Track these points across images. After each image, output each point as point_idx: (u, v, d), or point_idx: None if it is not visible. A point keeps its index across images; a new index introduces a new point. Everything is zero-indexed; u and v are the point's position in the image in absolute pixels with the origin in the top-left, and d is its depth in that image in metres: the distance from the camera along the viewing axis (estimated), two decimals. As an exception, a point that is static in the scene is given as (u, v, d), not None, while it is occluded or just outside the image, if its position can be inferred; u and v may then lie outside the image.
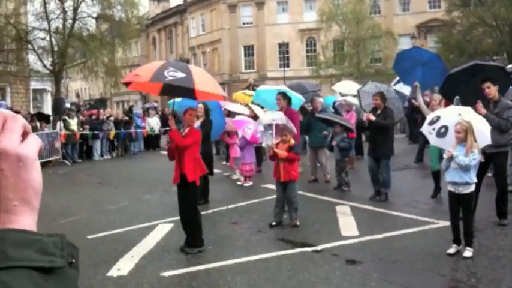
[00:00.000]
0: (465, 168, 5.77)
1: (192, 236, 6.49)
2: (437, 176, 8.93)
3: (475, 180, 5.93)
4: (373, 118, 9.02)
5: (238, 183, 11.47)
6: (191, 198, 6.53)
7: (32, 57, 33.54)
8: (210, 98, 7.56)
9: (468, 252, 5.85)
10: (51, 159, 17.44)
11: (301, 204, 8.41)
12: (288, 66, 45.12)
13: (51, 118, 20.92)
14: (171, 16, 59.29)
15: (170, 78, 6.11)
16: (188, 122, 6.71)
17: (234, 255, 6.23)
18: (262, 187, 10.84)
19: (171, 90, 7.00)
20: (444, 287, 5.07)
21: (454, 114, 6.14)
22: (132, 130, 20.89)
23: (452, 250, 5.98)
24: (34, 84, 34.80)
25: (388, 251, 6.21)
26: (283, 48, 44.88)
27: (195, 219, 6.51)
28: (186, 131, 6.64)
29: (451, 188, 6.04)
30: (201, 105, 9.25)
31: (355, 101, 12.20)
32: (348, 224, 7.57)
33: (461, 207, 6.02)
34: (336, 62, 41.07)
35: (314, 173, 11.69)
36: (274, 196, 8.95)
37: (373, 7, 44.16)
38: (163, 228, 7.68)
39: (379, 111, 9.14)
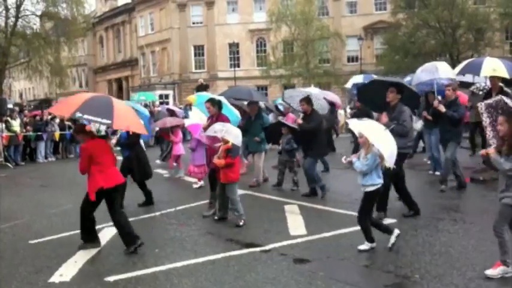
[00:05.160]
0: (362, 173, 6.06)
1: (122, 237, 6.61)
2: None
3: (380, 181, 6.10)
4: (301, 122, 9.63)
5: (194, 185, 11.27)
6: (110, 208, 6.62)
7: (-28, 56, 32.30)
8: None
9: (364, 246, 6.12)
10: (-8, 161, 16.81)
11: (250, 204, 8.46)
12: (238, 67, 45.22)
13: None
14: (119, 14, 58.22)
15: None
16: (79, 140, 6.92)
17: (182, 258, 6.14)
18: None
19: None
20: (389, 283, 5.14)
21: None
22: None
23: (363, 247, 6.15)
24: (-25, 85, 33.41)
25: (335, 249, 6.27)
26: (234, 48, 44.90)
27: (121, 224, 6.58)
28: None
29: (363, 189, 6.21)
30: None
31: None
32: (296, 223, 7.61)
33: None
34: (285, 63, 41.44)
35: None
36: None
37: (321, 8, 44.83)
38: (108, 232, 7.46)
39: (306, 115, 9.67)
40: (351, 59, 44.84)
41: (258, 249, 6.39)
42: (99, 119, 6.29)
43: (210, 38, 47.99)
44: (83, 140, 6.67)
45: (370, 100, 8.60)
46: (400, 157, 7.12)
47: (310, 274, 5.44)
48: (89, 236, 6.75)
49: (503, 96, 5.56)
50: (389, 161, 5.90)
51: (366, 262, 5.77)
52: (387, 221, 7.38)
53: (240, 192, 10.23)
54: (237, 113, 9.85)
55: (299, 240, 6.72)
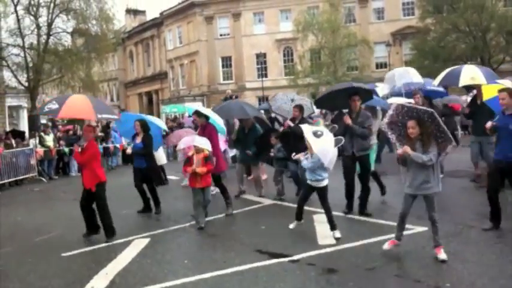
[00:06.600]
0: (311, 169, 7.19)
1: (108, 227, 7.99)
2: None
3: (325, 176, 7.24)
4: (292, 124, 10.17)
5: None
6: (97, 200, 7.90)
7: (6, 74, 33.17)
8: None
9: (337, 234, 7.16)
10: (27, 176, 17.19)
11: (278, 214, 8.50)
12: (266, 76, 45.37)
13: (26, 135, 20.65)
14: (148, 29, 59.18)
15: (46, 110, 7.68)
16: (86, 137, 7.84)
17: (211, 269, 6.15)
18: (242, 198, 10.79)
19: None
20: (420, 293, 5.07)
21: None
22: (110, 145, 20.70)
23: (292, 225, 7.64)
24: (10, 101, 34.27)
25: (364, 259, 6.21)
26: (261, 59, 45.11)
27: (106, 214, 7.97)
28: (85, 144, 7.75)
29: (310, 183, 7.37)
30: (137, 123, 9.79)
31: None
32: (325, 233, 7.54)
33: (319, 198, 7.39)
34: (313, 71, 41.34)
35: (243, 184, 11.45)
36: (254, 207, 9.85)
37: (348, 16, 44.64)
38: (139, 244, 7.59)
39: (297, 121, 10.13)
40: (379, 66, 44.40)
41: (286, 259, 6.37)
42: (110, 116, 8.05)
43: (237, 49, 48.32)
44: (87, 138, 7.79)
45: (326, 105, 10.19)
46: (366, 156, 8.65)
47: (339, 284, 5.40)
48: (93, 227, 8.12)
49: (399, 104, 6.13)
50: (329, 166, 7.05)
51: (396, 271, 5.69)
52: (418, 228, 7.29)
53: (268, 202, 10.31)
54: (221, 123, 10.18)
55: (328, 249, 6.69)
